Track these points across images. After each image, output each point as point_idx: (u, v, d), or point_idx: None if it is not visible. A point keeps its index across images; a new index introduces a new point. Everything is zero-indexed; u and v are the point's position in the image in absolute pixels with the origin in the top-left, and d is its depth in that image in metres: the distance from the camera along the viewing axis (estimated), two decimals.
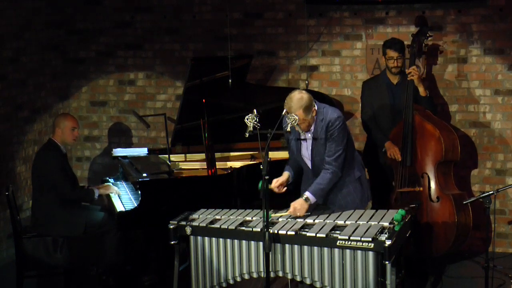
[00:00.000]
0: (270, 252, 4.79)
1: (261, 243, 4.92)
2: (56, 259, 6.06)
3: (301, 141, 5.33)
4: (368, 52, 7.10)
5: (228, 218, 5.23)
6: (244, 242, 5.02)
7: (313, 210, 5.28)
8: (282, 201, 5.71)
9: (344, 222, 4.99)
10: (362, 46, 7.11)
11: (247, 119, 4.97)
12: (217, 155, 6.44)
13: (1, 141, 6.93)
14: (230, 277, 5.11)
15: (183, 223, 5.22)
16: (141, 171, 6.16)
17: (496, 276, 5.82)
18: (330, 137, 5.19)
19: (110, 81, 7.87)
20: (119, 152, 6.85)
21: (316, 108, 5.20)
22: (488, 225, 6.41)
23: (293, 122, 4.99)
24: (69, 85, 7.94)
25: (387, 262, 4.61)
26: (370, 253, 4.67)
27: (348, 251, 4.71)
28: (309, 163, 5.37)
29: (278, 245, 4.90)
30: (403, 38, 6.55)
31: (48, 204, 6.08)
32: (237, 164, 6.34)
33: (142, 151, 6.88)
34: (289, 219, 5.12)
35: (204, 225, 5.15)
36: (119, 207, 6.01)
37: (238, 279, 5.11)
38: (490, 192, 5.37)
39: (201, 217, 5.31)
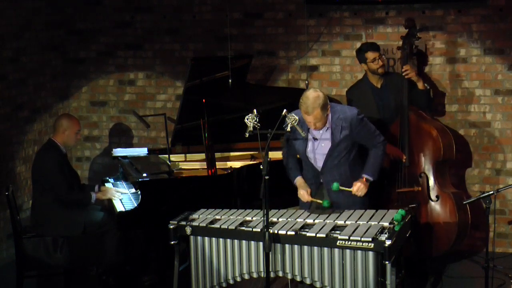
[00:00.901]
0: (270, 252, 4.79)
1: (261, 243, 4.92)
2: (56, 259, 6.06)
3: (308, 141, 5.32)
4: None
5: (228, 218, 5.23)
6: (244, 242, 5.02)
7: (313, 210, 5.29)
8: (282, 201, 5.72)
9: (344, 222, 4.99)
10: None
11: (247, 119, 4.96)
12: (217, 155, 6.43)
13: (1, 141, 6.93)
14: (230, 277, 5.11)
15: (183, 223, 5.22)
16: (141, 171, 6.16)
17: (496, 276, 5.82)
18: (362, 128, 5.28)
19: (110, 81, 7.87)
20: (119, 152, 6.84)
21: (329, 105, 5.21)
22: (488, 225, 6.41)
23: (293, 122, 4.98)
24: (69, 85, 7.94)
25: (387, 262, 4.61)
26: (370, 253, 4.67)
27: (348, 251, 4.71)
28: (316, 162, 5.36)
29: (278, 245, 4.90)
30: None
31: (47, 204, 6.07)
32: (237, 164, 6.33)
33: (142, 151, 6.88)
34: (289, 219, 5.12)
35: (204, 225, 5.14)
36: (119, 207, 6.01)
37: (238, 279, 5.11)
38: (490, 192, 5.37)
39: (201, 217, 5.31)
